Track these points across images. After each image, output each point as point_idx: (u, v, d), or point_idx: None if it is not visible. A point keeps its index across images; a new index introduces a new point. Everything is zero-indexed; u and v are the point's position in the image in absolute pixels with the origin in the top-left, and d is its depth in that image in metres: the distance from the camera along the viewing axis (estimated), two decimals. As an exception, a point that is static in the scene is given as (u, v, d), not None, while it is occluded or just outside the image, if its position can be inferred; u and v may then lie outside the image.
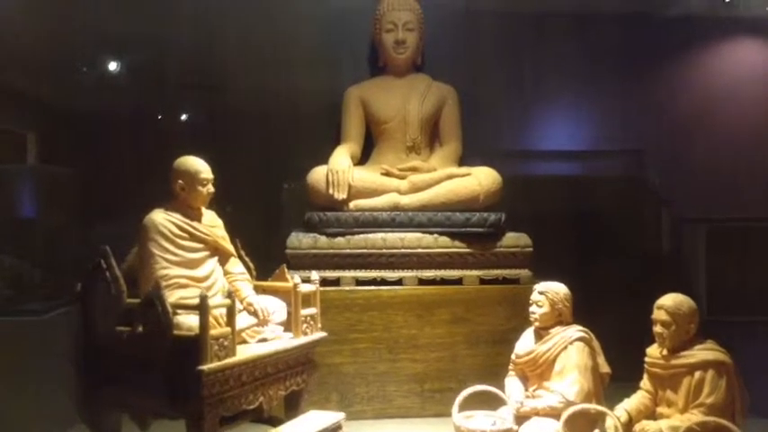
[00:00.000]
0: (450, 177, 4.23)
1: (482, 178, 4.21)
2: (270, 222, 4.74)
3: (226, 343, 2.82)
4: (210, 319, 2.91)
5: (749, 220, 4.92)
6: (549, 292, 3.33)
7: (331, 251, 4.09)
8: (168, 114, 4.83)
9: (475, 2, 4.84)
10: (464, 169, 4.30)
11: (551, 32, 4.93)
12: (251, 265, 3.51)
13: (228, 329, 2.85)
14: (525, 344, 3.42)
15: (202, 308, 2.72)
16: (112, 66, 4.65)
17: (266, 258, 3.73)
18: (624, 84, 4.92)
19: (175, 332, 2.78)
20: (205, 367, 2.70)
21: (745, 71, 5.07)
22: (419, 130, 4.55)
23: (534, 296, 3.36)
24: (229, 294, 2.90)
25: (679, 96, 5.01)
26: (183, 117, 4.83)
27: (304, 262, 4.06)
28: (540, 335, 3.37)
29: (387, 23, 4.57)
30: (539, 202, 4.82)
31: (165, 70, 4.71)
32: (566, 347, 3.26)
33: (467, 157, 4.61)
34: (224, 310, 2.91)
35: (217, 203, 3.37)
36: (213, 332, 2.78)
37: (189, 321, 2.81)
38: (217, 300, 3.02)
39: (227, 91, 4.82)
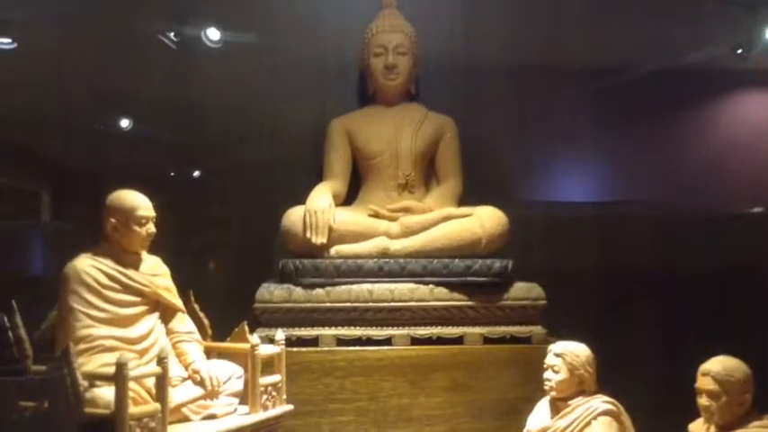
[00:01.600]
0: (447, 219, 3.70)
1: (485, 219, 3.66)
2: (251, 273, 4.18)
3: (152, 424, 2.23)
4: (139, 391, 2.33)
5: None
6: (568, 355, 2.87)
7: (308, 305, 3.53)
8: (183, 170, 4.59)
9: (477, 58, 4.45)
10: (464, 209, 3.77)
11: (559, 85, 4.60)
12: (205, 322, 2.95)
13: (156, 406, 2.26)
14: (539, 418, 2.96)
15: (119, 378, 2.13)
16: (120, 123, 4.53)
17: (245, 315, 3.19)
18: (635, 136, 4.65)
19: (88, 410, 2.19)
20: (121, 457, 2.10)
21: (756, 124, 4.82)
22: (412, 165, 4.04)
23: (549, 359, 2.91)
24: (160, 360, 2.30)
25: (690, 149, 4.76)
26: (196, 174, 4.60)
27: (276, 318, 3.50)
28: (557, 407, 2.90)
29: (375, 47, 4.09)
30: (551, 251, 4.35)
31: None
32: (589, 423, 2.79)
33: (467, 199, 4.08)
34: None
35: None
36: (134, 410, 2.18)
37: (108, 396, 2.22)
38: (150, 366, 2.43)
39: (210, 129, 4.44)
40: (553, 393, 2.87)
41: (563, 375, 2.84)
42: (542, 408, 2.96)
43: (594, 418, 2.77)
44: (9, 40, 4.16)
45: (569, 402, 2.84)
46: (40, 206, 4.49)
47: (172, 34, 4.29)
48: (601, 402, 2.80)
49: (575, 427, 2.79)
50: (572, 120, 4.59)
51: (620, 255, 4.43)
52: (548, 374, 2.89)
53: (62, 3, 4.18)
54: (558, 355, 2.87)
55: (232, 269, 4.36)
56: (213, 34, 4.35)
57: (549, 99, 4.56)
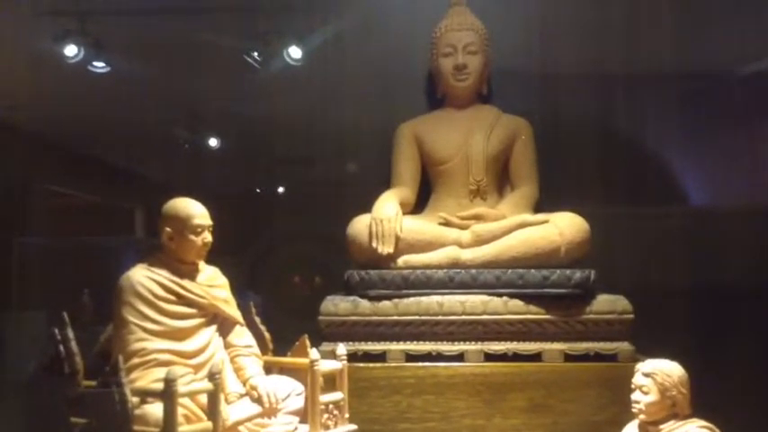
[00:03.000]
0: (522, 226, 3.47)
1: (564, 226, 3.41)
2: (319, 284, 4.27)
3: (204, 444, 2.09)
4: (193, 409, 2.22)
5: None
6: (659, 375, 2.61)
7: (375, 318, 3.36)
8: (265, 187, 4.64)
9: (552, 57, 4.23)
10: (540, 216, 3.53)
11: (643, 88, 4.32)
12: (266, 335, 2.83)
13: (207, 425, 2.12)
14: None
15: (167, 395, 2.01)
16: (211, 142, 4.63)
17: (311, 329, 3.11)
18: (729, 141, 4.33)
19: (137, 428, 2.07)
20: (169, 480, 1.97)
21: None
22: (484, 170, 3.82)
23: (638, 379, 2.65)
24: (212, 376, 2.17)
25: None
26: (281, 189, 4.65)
27: (341, 332, 3.35)
28: (647, 431, 2.64)
29: (444, 47, 3.91)
30: (636, 261, 4.06)
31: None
32: (684, 450, 2.54)
33: (543, 207, 3.84)
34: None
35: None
36: (184, 429, 2.05)
37: (159, 413, 2.11)
38: (204, 382, 2.30)
39: (266, 129, 4.41)
40: (642, 417, 2.63)
41: (653, 397, 2.59)
42: (630, 432, 2.73)
43: (690, 444, 2.51)
44: (102, 64, 4.30)
45: (660, 427, 2.60)
46: (134, 223, 4.66)
47: (255, 53, 4.31)
48: (696, 427, 2.55)
49: (669, 455, 2.55)
50: (657, 123, 4.30)
51: (713, 263, 4.09)
52: (636, 396, 2.64)
53: (151, 26, 4.29)
54: (647, 375, 2.62)
55: (299, 280, 4.30)
56: (295, 52, 4.32)
57: (630, 101, 4.29)
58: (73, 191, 4.81)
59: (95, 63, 4.28)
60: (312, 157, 4.41)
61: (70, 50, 4.19)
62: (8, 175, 4.35)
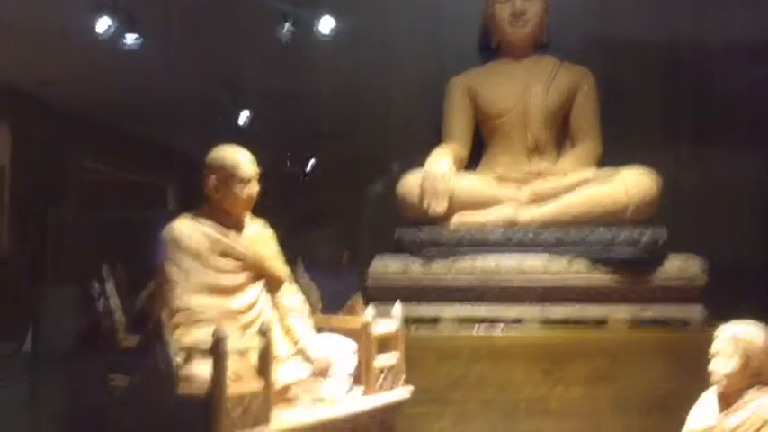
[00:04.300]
0: (585, 183, 3.32)
1: (630, 183, 3.25)
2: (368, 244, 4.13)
3: (254, 406, 1.95)
4: (240, 369, 2.06)
5: None
6: (741, 339, 2.43)
7: (426, 280, 3.27)
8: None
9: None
10: (605, 170, 3.37)
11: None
12: (316, 293, 2.69)
13: (258, 386, 1.98)
14: (705, 414, 2.53)
15: (217, 353, 1.86)
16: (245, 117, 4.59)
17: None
18: None
19: (182, 387, 1.94)
20: (217, 443, 1.85)
21: None
22: (543, 125, 3.67)
23: (718, 345, 2.46)
24: (264, 333, 2.02)
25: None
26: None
27: (391, 293, 3.19)
28: (726, 401, 2.47)
29: (501, -8, 3.75)
30: (709, 219, 3.87)
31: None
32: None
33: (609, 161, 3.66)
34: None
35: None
36: (234, 390, 1.91)
37: (206, 373, 1.97)
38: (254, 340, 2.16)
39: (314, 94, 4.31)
40: (722, 385, 2.44)
41: (735, 364, 2.41)
42: (708, 402, 2.54)
43: (778, 416, 2.35)
44: (136, 36, 4.23)
45: (742, 397, 2.42)
46: (167, 196, 4.75)
47: (294, 19, 4.18)
48: (784, 396, 2.38)
49: (749, 426, 2.37)
50: (729, 67, 4.07)
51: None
52: (716, 364, 2.45)
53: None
54: (728, 340, 2.44)
55: (348, 239, 4.24)
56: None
57: (698, 45, 4.06)
58: (104, 165, 4.86)
59: (128, 37, 4.21)
60: (360, 119, 4.31)
61: (102, 24, 4.09)
62: (40, 149, 4.37)
